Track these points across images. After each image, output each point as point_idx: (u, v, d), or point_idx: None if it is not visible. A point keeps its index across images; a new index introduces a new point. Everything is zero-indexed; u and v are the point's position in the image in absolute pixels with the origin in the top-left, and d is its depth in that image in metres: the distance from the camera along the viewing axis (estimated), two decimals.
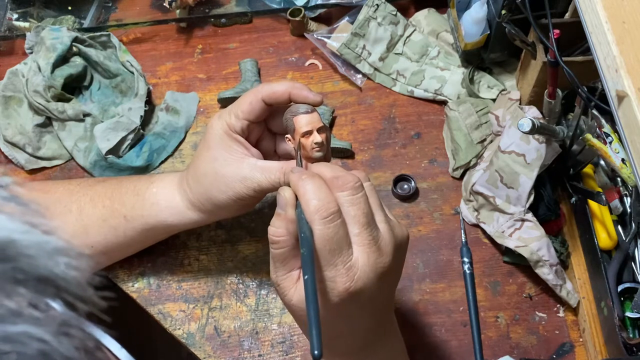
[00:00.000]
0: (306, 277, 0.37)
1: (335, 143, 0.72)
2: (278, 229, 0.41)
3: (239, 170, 0.51)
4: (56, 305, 0.22)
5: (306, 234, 0.39)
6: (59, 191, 0.61)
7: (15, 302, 0.21)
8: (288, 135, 0.51)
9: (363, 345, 0.46)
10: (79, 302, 0.23)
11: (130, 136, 0.72)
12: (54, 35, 0.75)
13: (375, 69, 0.78)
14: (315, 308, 0.36)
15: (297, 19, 0.79)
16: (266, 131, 0.56)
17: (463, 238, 0.67)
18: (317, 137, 0.49)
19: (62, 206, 0.58)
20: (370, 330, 0.45)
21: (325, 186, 0.41)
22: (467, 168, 0.70)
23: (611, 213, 0.60)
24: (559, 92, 0.61)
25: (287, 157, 0.56)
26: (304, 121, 0.49)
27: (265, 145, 0.56)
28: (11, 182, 0.24)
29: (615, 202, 0.59)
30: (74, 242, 0.58)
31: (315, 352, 0.34)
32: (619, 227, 0.60)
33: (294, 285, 0.42)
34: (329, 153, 0.53)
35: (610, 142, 0.53)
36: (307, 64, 0.81)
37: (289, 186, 0.44)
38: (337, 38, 0.77)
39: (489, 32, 0.69)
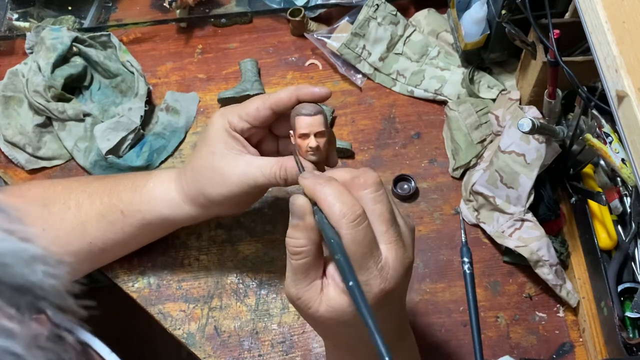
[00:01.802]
0: (350, 283, 0.36)
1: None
2: (299, 240, 0.40)
3: (235, 165, 0.51)
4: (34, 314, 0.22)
5: (335, 239, 0.38)
6: (58, 189, 0.61)
7: None
8: (291, 132, 0.51)
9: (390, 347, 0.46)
10: (58, 311, 0.23)
11: (131, 136, 0.72)
12: (54, 35, 0.75)
13: (375, 69, 0.78)
14: (371, 313, 0.35)
15: (297, 19, 0.79)
16: (269, 134, 0.56)
17: (463, 238, 0.67)
18: (312, 142, 0.48)
19: (61, 203, 0.59)
20: (395, 329, 0.46)
21: (345, 189, 0.40)
22: (467, 168, 0.70)
23: (611, 213, 0.60)
24: (559, 92, 0.61)
25: None
26: (303, 123, 0.48)
27: (267, 147, 0.56)
28: None
29: (615, 202, 0.59)
30: (72, 239, 0.58)
31: (387, 359, 0.33)
32: (619, 227, 0.60)
33: (319, 295, 0.41)
34: (334, 157, 0.53)
35: (610, 142, 0.53)
36: (307, 64, 0.81)
37: (296, 189, 0.43)
38: (337, 38, 0.77)
39: (489, 32, 0.69)
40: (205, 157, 0.53)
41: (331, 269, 0.42)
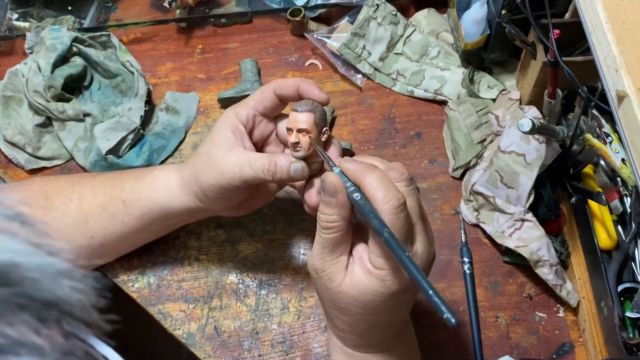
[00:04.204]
0: (406, 254, 0.38)
1: None
2: (331, 215, 0.43)
3: (228, 155, 0.52)
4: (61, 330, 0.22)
5: (379, 218, 0.40)
6: (61, 182, 0.61)
7: (18, 330, 0.20)
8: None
9: (393, 337, 0.48)
10: (83, 326, 0.22)
11: (130, 136, 0.72)
12: (54, 35, 0.75)
13: (375, 69, 0.78)
14: (426, 279, 0.37)
15: (297, 19, 0.79)
16: (275, 136, 0.56)
17: (463, 238, 0.67)
18: (293, 137, 0.49)
19: (63, 196, 0.58)
20: (403, 321, 0.48)
21: (387, 177, 0.42)
22: (467, 168, 0.70)
23: (611, 213, 0.60)
24: (559, 92, 0.61)
25: None
26: (292, 118, 0.50)
27: (271, 150, 0.57)
28: (16, 200, 0.24)
29: (615, 202, 0.59)
30: (73, 233, 0.58)
31: (453, 320, 0.34)
32: (619, 227, 0.60)
33: (344, 270, 0.43)
34: (336, 157, 0.52)
35: (610, 142, 0.53)
36: (307, 64, 0.81)
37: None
38: (337, 38, 0.77)
39: (489, 32, 0.69)
40: (206, 145, 0.54)
41: (360, 249, 0.44)
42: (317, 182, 0.51)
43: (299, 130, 0.49)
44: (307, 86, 0.51)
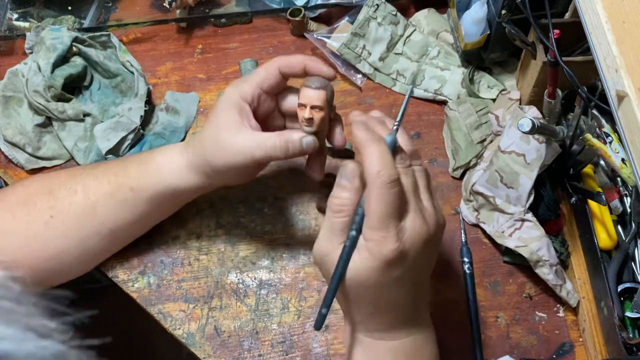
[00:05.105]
0: (352, 233, 0.43)
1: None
2: (343, 200, 0.44)
3: (237, 138, 0.53)
4: None
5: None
6: (62, 176, 0.61)
7: None
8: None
9: (396, 323, 0.48)
10: None
11: (130, 136, 0.72)
12: (54, 35, 0.75)
13: (375, 69, 0.78)
14: (334, 289, 0.43)
15: (297, 19, 0.79)
16: (277, 111, 0.58)
17: (463, 238, 0.67)
18: (306, 113, 0.51)
19: (67, 189, 0.59)
20: (406, 306, 0.47)
21: (389, 152, 0.43)
22: (467, 168, 0.70)
23: (611, 213, 0.60)
24: (559, 92, 0.61)
25: None
26: (305, 94, 0.52)
27: (274, 123, 0.59)
28: (7, 277, 0.23)
29: (615, 202, 0.59)
30: (82, 222, 0.61)
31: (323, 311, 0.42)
32: (619, 227, 0.60)
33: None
34: (341, 137, 0.56)
35: (610, 142, 0.53)
36: None
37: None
38: (337, 38, 0.77)
39: (489, 32, 0.69)
40: (212, 127, 0.55)
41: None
42: (320, 156, 0.57)
43: (312, 107, 0.51)
44: (314, 64, 0.53)
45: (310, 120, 0.52)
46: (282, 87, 0.57)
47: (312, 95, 0.51)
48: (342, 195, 0.44)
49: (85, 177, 0.60)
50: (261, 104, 0.56)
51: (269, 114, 0.58)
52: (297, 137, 0.52)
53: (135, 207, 0.59)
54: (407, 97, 0.47)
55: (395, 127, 0.46)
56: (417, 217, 0.44)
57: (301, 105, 0.52)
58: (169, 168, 0.58)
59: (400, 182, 0.43)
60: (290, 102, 0.57)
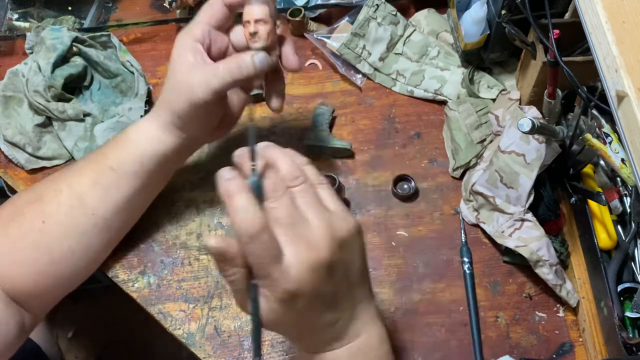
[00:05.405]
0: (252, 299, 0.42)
1: (335, 143, 0.72)
2: (228, 274, 0.42)
3: (192, 76, 0.54)
4: None
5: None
6: (46, 182, 0.61)
7: None
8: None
9: (331, 339, 0.46)
10: None
11: None
12: (54, 35, 0.75)
13: (375, 69, 0.78)
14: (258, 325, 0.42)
15: (297, 19, 0.79)
16: (231, 47, 0.58)
17: (463, 238, 0.67)
18: (251, 27, 0.51)
19: (52, 190, 0.59)
20: (331, 324, 0.45)
21: (249, 202, 0.40)
22: (467, 168, 0.70)
23: (611, 213, 0.60)
24: (559, 92, 0.61)
25: None
26: (247, 11, 0.52)
27: None
28: None
29: (615, 202, 0.59)
30: (76, 218, 0.62)
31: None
32: (619, 227, 0.60)
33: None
34: (291, 57, 0.56)
35: (610, 142, 0.53)
36: (307, 64, 0.81)
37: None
38: (337, 38, 0.77)
39: (489, 32, 0.69)
40: (172, 78, 0.56)
41: None
42: (277, 83, 0.58)
43: (257, 21, 0.51)
44: None
45: (254, 35, 0.52)
46: (230, 21, 0.57)
47: (254, 10, 0.51)
48: (227, 272, 0.42)
49: (68, 174, 0.60)
50: (213, 41, 0.56)
51: (223, 50, 0.58)
52: (247, 56, 0.53)
53: (121, 187, 0.59)
54: (251, 135, 0.44)
55: (252, 167, 0.43)
56: (299, 247, 0.41)
57: (246, 22, 0.52)
58: (143, 136, 0.59)
59: (267, 227, 0.40)
60: (241, 34, 0.56)
